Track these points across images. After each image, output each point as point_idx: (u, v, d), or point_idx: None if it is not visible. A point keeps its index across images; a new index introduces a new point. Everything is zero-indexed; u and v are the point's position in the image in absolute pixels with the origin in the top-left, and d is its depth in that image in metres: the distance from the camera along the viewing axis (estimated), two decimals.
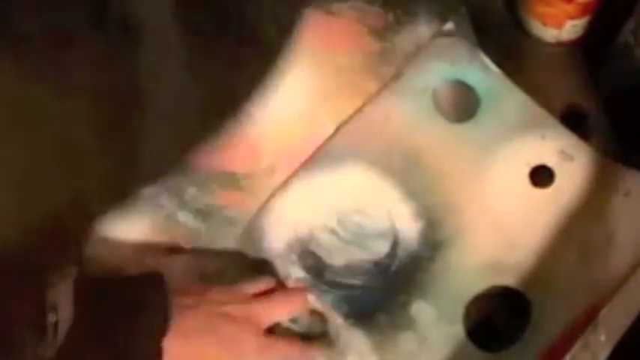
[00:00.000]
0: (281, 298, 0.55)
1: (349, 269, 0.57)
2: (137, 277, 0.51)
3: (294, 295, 0.56)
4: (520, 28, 0.65)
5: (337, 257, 0.58)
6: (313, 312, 0.56)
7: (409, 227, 0.58)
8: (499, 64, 0.62)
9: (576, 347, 0.52)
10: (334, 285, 0.57)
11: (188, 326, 0.50)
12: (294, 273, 0.57)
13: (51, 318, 0.46)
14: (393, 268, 0.57)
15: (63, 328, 0.46)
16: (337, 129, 0.61)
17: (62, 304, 0.47)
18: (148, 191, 0.61)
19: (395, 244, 0.58)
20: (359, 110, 0.62)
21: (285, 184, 0.60)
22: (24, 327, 0.46)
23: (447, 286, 0.56)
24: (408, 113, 0.61)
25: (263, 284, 0.56)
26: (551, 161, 0.58)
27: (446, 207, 0.58)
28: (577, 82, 0.63)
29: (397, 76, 0.62)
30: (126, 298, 0.49)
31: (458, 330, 0.55)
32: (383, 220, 0.58)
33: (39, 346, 0.45)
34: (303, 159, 0.61)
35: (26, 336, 0.46)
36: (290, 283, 0.57)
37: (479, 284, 0.56)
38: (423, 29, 0.64)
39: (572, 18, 0.61)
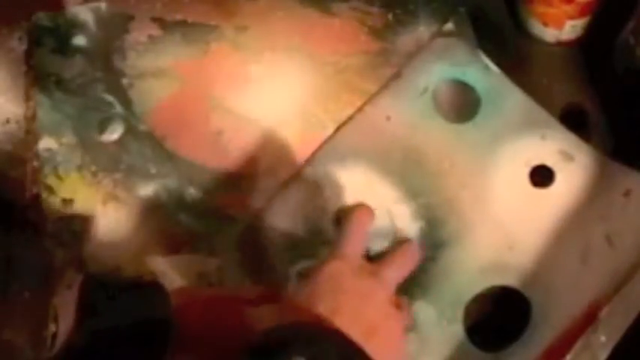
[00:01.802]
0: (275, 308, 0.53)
1: None
2: (139, 287, 0.51)
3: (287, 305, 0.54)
4: (520, 28, 0.65)
5: None
6: None
7: (409, 227, 0.58)
8: (499, 64, 0.62)
9: (576, 347, 0.52)
10: None
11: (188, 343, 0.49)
12: (294, 273, 0.57)
13: (51, 328, 0.46)
14: None
15: (61, 338, 0.46)
16: (337, 129, 0.61)
17: (63, 314, 0.46)
18: (148, 191, 0.61)
19: (395, 244, 0.58)
20: (359, 110, 0.62)
21: (286, 184, 0.60)
22: (24, 337, 0.46)
23: (447, 286, 0.56)
24: (408, 113, 0.61)
25: (261, 290, 0.56)
26: (551, 161, 0.58)
27: (446, 207, 0.58)
28: (577, 82, 0.63)
29: (397, 76, 0.62)
30: (128, 311, 0.48)
31: (458, 330, 0.55)
32: (383, 220, 0.58)
33: (36, 356, 0.45)
34: (303, 159, 0.61)
35: (25, 346, 0.45)
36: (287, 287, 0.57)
37: (479, 284, 0.56)
38: (423, 29, 0.64)
39: (572, 18, 0.61)
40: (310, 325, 0.45)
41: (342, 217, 0.56)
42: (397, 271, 0.53)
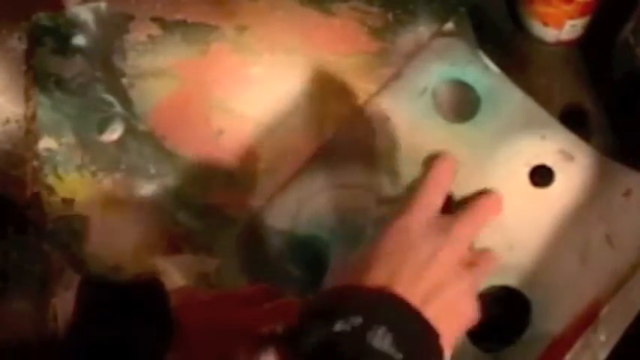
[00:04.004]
0: (273, 308, 0.52)
1: None
2: (137, 286, 0.51)
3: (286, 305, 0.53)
4: (520, 28, 0.65)
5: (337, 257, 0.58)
6: None
7: None
8: (499, 64, 0.62)
9: (576, 347, 0.52)
10: None
11: (186, 342, 0.49)
12: (294, 272, 0.57)
13: (51, 327, 0.46)
14: None
15: (61, 337, 0.46)
16: (337, 129, 0.61)
17: (63, 314, 0.47)
18: (148, 191, 0.61)
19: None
20: (359, 110, 0.62)
21: (286, 183, 0.60)
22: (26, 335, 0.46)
23: None
24: (408, 113, 0.61)
25: (259, 291, 0.56)
26: (551, 161, 0.58)
27: None
28: (577, 82, 0.63)
29: (397, 76, 0.62)
30: (127, 310, 0.49)
31: None
32: (383, 220, 0.58)
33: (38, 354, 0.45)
34: (303, 159, 0.61)
35: (27, 344, 0.46)
36: (287, 287, 0.56)
37: None
38: (423, 29, 0.64)
39: (572, 18, 0.61)
40: (363, 288, 0.43)
41: (425, 165, 0.51)
42: (472, 226, 0.49)
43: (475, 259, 0.48)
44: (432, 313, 0.42)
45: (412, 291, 0.43)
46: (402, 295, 0.43)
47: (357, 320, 0.40)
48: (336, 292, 0.43)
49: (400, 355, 0.40)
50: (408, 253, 0.45)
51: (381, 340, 0.39)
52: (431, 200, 0.48)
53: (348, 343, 0.40)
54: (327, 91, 0.63)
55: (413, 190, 0.49)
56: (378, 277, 0.44)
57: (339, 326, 0.40)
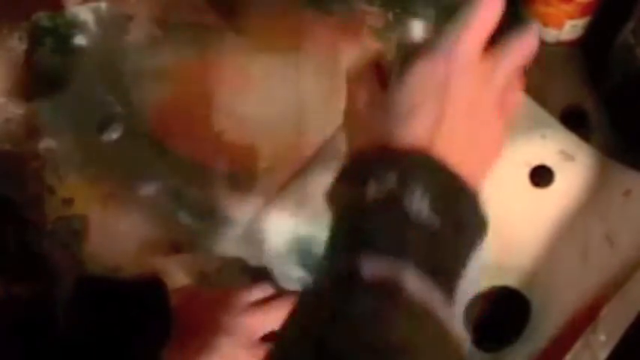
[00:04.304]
0: (274, 308, 0.54)
1: None
2: (138, 283, 0.51)
3: (286, 305, 0.53)
4: (520, 28, 0.65)
5: None
6: None
7: None
8: None
9: (576, 347, 0.52)
10: None
11: (186, 342, 0.49)
12: (294, 273, 0.57)
13: (51, 324, 0.46)
14: None
15: (60, 330, 0.46)
16: (337, 129, 0.61)
17: (62, 310, 0.47)
18: (148, 191, 0.61)
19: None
20: None
21: (286, 183, 0.60)
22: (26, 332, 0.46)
23: None
24: None
25: (260, 291, 0.56)
26: (551, 161, 0.58)
27: None
28: (577, 82, 0.63)
29: None
30: (127, 306, 0.49)
31: (458, 330, 0.55)
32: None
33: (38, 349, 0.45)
34: (303, 159, 0.61)
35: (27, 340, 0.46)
36: (287, 287, 0.56)
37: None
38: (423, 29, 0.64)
39: (572, 18, 0.61)
40: (395, 147, 0.39)
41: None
42: (512, 70, 0.43)
43: (505, 103, 0.43)
44: (468, 167, 0.39)
45: (449, 148, 0.39)
46: (440, 153, 0.39)
47: (392, 179, 0.36)
48: (365, 154, 0.39)
49: (438, 221, 0.36)
50: (447, 105, 0.40)
51: (419, 202, 0.36)
52: (475, 42, 0.41)
53: (383, 215, 0.36)
54: (327, 91, 0.63)
55: (452, 24, 0.41)
56: (412, 133, 0.39)
57: (371, 191, 0.36)
